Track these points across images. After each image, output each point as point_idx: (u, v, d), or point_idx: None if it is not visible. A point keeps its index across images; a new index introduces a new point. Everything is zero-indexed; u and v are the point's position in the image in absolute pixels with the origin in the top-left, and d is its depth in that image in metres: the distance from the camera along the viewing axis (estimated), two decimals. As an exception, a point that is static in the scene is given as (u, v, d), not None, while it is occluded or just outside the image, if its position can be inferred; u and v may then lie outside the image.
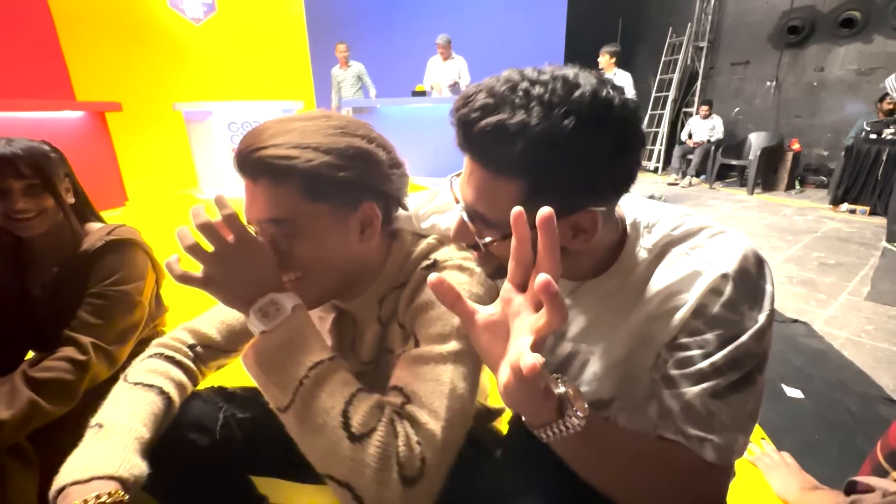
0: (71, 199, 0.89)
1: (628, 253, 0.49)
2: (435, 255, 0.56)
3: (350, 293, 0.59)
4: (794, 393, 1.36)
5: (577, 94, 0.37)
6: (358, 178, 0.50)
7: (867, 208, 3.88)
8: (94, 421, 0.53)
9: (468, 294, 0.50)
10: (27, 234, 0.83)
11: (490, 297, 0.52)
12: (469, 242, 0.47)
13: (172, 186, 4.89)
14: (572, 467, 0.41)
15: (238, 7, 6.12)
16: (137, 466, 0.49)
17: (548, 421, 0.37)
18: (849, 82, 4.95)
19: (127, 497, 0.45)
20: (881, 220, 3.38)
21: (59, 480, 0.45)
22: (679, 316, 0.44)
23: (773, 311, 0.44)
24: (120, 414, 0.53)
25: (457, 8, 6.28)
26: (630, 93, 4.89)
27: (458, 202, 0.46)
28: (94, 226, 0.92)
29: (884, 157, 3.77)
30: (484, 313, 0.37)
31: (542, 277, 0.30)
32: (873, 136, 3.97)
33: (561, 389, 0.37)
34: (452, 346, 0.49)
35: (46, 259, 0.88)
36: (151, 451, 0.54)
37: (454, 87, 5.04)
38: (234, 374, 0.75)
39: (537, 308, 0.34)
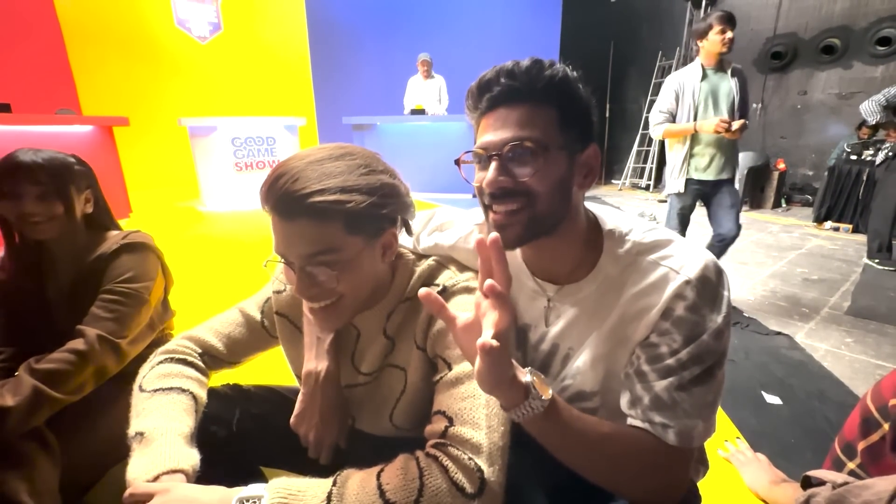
0: (88, 209, 0.93)
1: (605, 260, 0.56)
2: (442, 281, 0.61)
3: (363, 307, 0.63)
4: (773, 399, 1.43)
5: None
6: (390, 211, 0.56)
7: (850, 226, 3.99)
8: (132, 432, 0.56)
9: None
10: (37, 237, 0.87)
11: None
12: (505, 185, 0.51)
13: (175, 198, 4.97)
14: (546, 447, 0.47)
15: (243, 27, 6.30)
16: (192, 456, 0.54)
17: (516, 404, 0.44)
18: (830, 105, 5.16)
19: None
20: (863, 238, 3.47)
21: (130, 486, 0.49)
22: (650, 317, 0.51)
23: (729, 314, 0.51)
24: (155, 419, 0.56)
25: (452, 32, 6.50)
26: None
27: (484, 152, 0.52)
28: (112, 233, 0.98)
29: (864, 178, 3.91)
30: (462, 318, 0.43)
31: (487, 282, 0.40)
32: (854, 158, 4.13)
33: (528, 378, 0.44)
34: None
35: (62, 264, 0.93)
36: None
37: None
38: (247, 372, 0.81)
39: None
